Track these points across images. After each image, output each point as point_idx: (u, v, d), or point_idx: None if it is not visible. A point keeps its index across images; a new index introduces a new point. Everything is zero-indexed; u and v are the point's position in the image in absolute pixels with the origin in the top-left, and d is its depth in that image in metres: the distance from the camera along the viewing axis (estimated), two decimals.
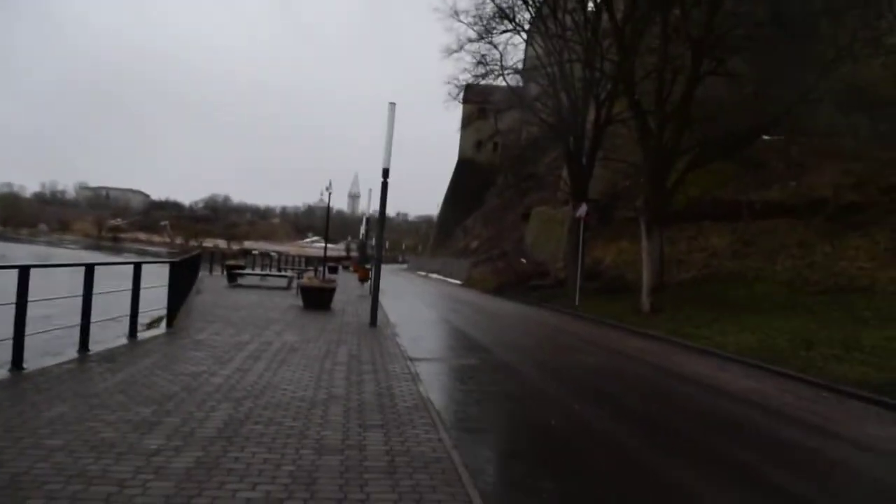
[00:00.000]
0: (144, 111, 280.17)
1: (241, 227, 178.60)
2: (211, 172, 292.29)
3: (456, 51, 29.63)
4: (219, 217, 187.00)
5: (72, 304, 9.19)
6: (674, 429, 7.80)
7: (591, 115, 28.98)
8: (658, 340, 16.76)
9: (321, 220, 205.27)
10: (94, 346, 9.37)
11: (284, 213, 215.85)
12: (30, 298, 7.51)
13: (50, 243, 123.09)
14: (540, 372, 11.38)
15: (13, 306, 7.39)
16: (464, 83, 30.32)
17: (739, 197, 29.99)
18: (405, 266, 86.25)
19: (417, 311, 22.55)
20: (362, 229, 57.59)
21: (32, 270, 7.61)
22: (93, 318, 9.13)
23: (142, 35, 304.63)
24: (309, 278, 18.65)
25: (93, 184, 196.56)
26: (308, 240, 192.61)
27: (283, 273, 29.59)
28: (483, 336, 15.96)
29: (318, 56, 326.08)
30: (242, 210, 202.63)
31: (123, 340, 10.24)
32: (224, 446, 5.42)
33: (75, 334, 9.08)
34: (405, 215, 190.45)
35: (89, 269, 9.02)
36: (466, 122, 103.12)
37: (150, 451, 5.15)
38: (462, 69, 31.89)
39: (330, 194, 32.35)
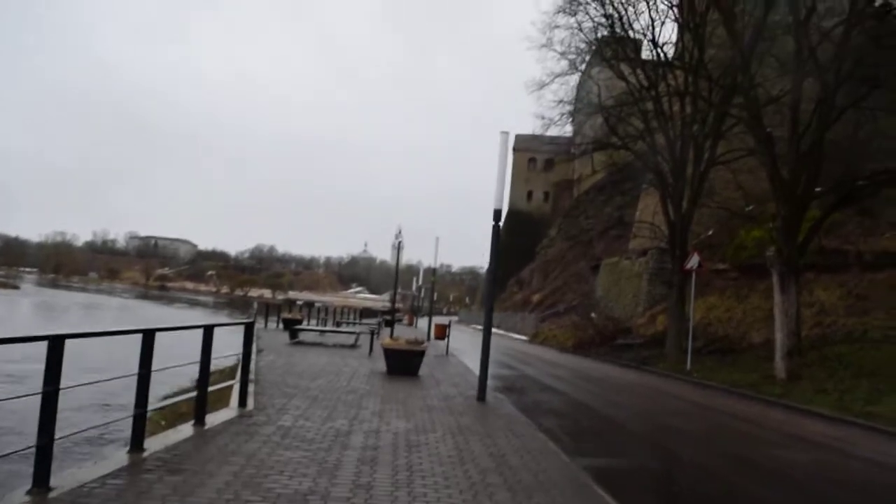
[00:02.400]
0: (193, 163, 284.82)
1: (286, 277, 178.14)
2: (257, 223, 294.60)
3: (547, 83, 26.98)
4: (264, 267, 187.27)
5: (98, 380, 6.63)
6: None
7: (690, 156, 26.15)
8: (832, 422, 13.56)
9: (364, 271, 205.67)
10: (150, 441, 6.70)
11: (328, 263, 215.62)
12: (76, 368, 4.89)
13: (100, 291, 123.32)
14: (761, 485, 8.37)
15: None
16: (548, 122, 27.71)
17: (846, 246, 26.81)
18: (456, 319, 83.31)
19: (513, 376, 19.62)
20: (419, 280, 55.19)
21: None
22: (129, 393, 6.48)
23: (190, 91, 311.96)
24: (392, 339, 15.93)
25: (142, 233, 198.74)
26: (352, 290, 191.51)
27: (348, 329, 26.88)
28: (627, 419, 13.04)
29: (359, 104, 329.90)
30: (287, 260, 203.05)
31: (188, 431, 7.54)
32: None
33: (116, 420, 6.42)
34: (448, 267, 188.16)
35: (208, 332, 7.26)
36: (515, 173, 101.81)
37: None
38: (546, 107, 29.16)
39: (400, 243, 29.62)
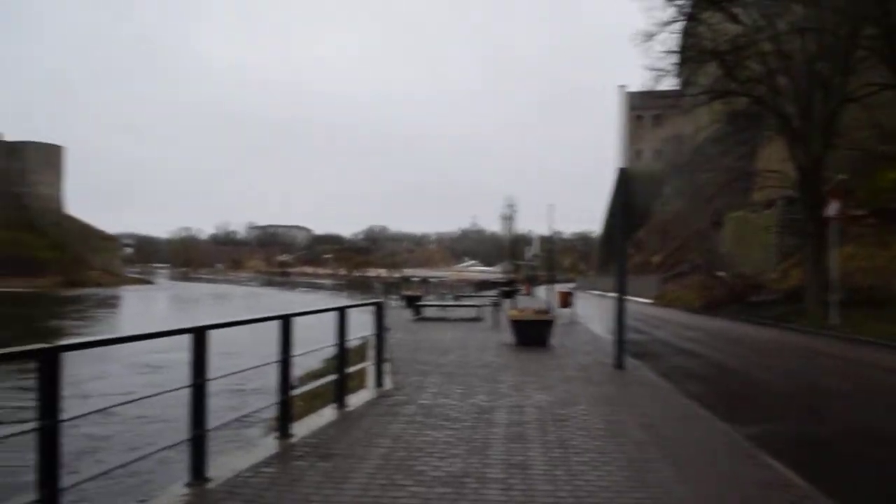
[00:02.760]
0: (303, 153, 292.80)
1: (400, 256, 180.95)
2: (368, 205, 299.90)
3: (655, 34, 25.46)
4: (377, 247, 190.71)
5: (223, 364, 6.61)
6: None
7: (818, 96, 24.22)
8: None
9: (475, 244, 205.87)
10: (296, 426, 6.65)
11: (440, 238, 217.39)
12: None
13: (227, 281, 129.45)
14: None
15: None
16: (659, 73, 26.18)
17: None
18: (573, 286, 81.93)
19: (645, 340, 18.88)
20: (533, 250, 54.54)
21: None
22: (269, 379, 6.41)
23: (292, 83, 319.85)
24: (518, 310, 15.58)
25: (261, 223, 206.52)
26: (465, 264, 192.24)
27: (470, 303, 26.73)
28: (775, 380, 12.22)
29: (451, 86, 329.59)
30: (399, 238, 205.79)
31: (331, 414, 7.47)
32: None
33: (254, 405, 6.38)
34: (559, 233, 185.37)
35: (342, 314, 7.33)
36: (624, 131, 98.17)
37: None
38: (655, 58, 27.55)
39: (510, 213, 29.04)
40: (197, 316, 50.15)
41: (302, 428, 6.73)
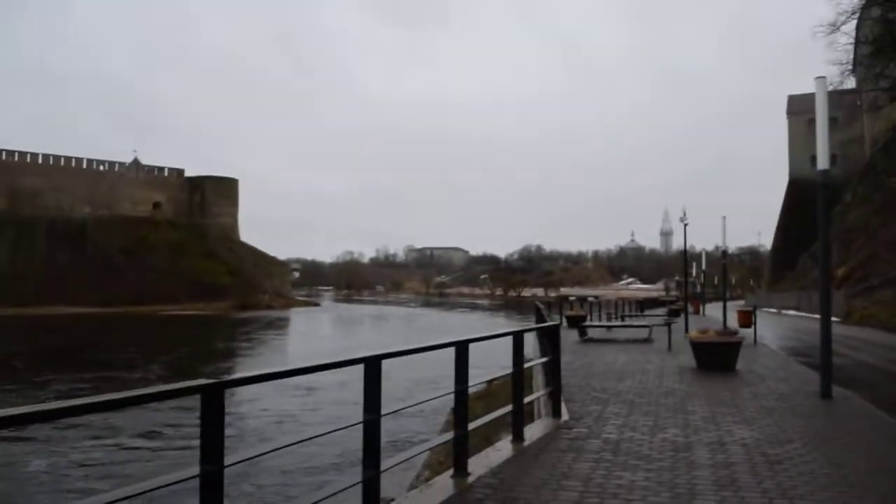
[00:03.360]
0: (457, 175, 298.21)
1: (556, 274, 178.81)
2: (522, 224, 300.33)
3: (840, 24, 23.29)
4: (533, 266, 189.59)
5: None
6: None
7: None
8: None
9: (633, 261, 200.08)
10: (472, 462, 6.05)
11: (597, 256, 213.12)
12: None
13: (388, 302, 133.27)
14: None
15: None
16: (844, 68, 23.85)
17: None
18: (743, 303, 77.02)
19: (847, 364, 16.85)
20: (701, 265, 51.62)
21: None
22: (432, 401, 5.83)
23: (439, 109, 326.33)
24: (700, 331, 14.29)
25: (418, 245, 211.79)
26: (624, 282, 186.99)
27: (639, 322, 25.36)
28: None
29: (603, 94, 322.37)
30: (555, 257, 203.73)
31: (508, 449, 6.82)
32: None
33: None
34: (725, 248, 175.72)
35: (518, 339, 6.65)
36: (792, 138, 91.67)
37: None
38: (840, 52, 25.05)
39: (686, 225, 27.32)
40: (361, 338, 51.60)
41: (478, 465, 6.13)
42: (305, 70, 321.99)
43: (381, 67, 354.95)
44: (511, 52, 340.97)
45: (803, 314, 45.56)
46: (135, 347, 42.16)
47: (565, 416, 8.43)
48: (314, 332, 59.03)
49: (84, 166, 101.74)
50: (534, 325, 9.21)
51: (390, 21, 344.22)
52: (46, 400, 22.83)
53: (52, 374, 28.84)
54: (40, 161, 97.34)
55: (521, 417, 7.09)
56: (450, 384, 5.72)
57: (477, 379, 6.15)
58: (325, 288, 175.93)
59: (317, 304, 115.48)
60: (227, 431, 3.21)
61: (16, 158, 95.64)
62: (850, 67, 23.59)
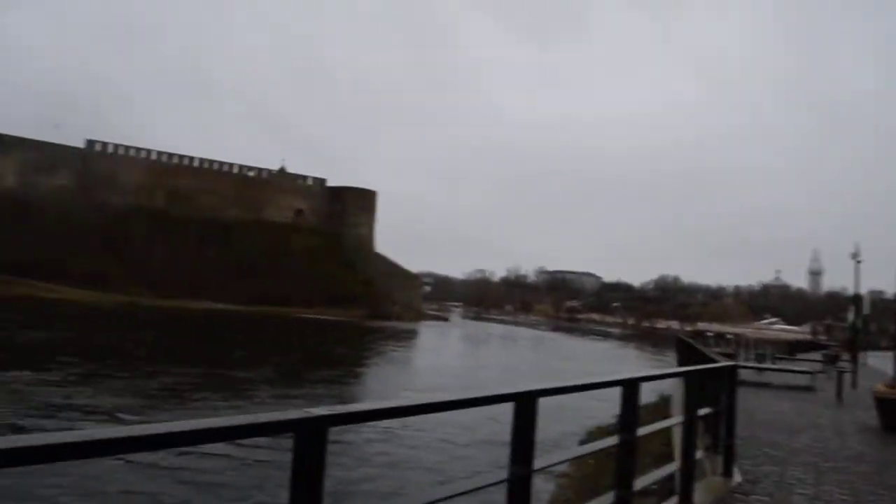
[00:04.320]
0: (594, 200, 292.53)
1: (693, 308, 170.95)
2: (659, 254, 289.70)
3: None
4: (668, 298, 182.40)
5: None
6: None
7: None
8: None
9: (777, 300, 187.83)
10: None
11: (737, 292, 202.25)
12: None
13: (516, 323, 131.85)
14: None
15: None
16: None
17: None
18: None
19: None
20: (865, 308, 47.14)
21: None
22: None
23: (576, 120, 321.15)
24: (889, 385, 12.24)
25: (550, 268, 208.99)
26: (766, 321, 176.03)
27: (797, 367, 22.87)
28: None
29: (750, 121, 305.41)
30: (693, 290, 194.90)
31: None
32: None
33: None
34: (880, 293, 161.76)
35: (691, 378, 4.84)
36: None
37: None
38: None
39: (858, 266, 24.49)
40: (489, 359, 50.59)
41: None
42: (439, 87, 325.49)
43: (515, 84, 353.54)
44: (650, 70, 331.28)
45: None
46: (258, 347, 43.16)
47: (737, 477, 6.99)
48: (442, 347, 58.69)
49: (234, 171, 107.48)
50: (708, 365, 7.77)
51: (525, 37, 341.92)
52: (148, 391, 23.31)
53: (164, 365, 29.59)
54: (196, 164, 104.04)
55: (691, 478, 5.77)
56: (559, 422, 4.53)
57: (586, 423, 4.85)
58: (454, 304, 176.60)
59: (445, 319, 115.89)
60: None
61: (175, 161, 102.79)
62: None
